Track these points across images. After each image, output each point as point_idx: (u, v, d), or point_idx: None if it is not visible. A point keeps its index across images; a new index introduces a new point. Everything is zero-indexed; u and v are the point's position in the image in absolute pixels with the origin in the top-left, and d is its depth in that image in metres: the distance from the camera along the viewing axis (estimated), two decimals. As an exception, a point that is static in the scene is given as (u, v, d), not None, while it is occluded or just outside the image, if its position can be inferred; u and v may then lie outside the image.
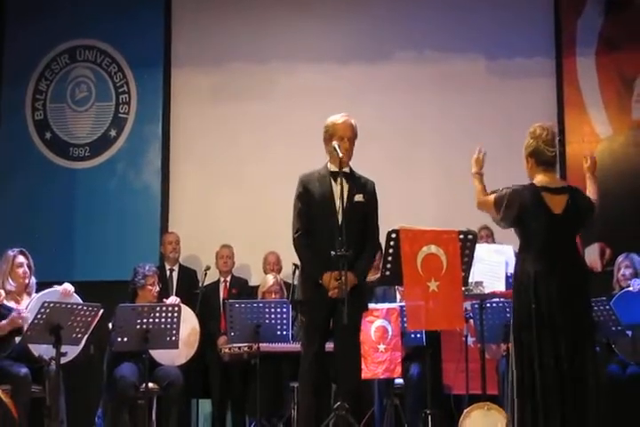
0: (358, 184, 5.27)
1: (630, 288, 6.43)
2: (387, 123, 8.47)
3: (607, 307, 6.08)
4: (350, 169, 5.27)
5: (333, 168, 5.24)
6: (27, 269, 6.33)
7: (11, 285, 6.26)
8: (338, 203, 5.14)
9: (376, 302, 6.59)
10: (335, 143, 5.18)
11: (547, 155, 4.97)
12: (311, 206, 5.19)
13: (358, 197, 5.21)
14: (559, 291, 4.71)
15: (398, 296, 6.92)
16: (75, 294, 6.29)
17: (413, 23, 8.58)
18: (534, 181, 4.96)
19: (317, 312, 5.14)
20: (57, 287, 6.26)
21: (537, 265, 4.77)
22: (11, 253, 6.34)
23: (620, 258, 6.79)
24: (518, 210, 4.84)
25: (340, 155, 5.11)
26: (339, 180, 5.16)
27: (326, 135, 5.30)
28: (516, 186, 4.94)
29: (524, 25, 8.46)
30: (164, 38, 8.77)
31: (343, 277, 4.90)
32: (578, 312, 4.75)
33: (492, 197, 5.00)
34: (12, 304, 6.19)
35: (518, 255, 4.95)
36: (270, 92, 8.61)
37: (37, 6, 8.81)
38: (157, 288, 6.85)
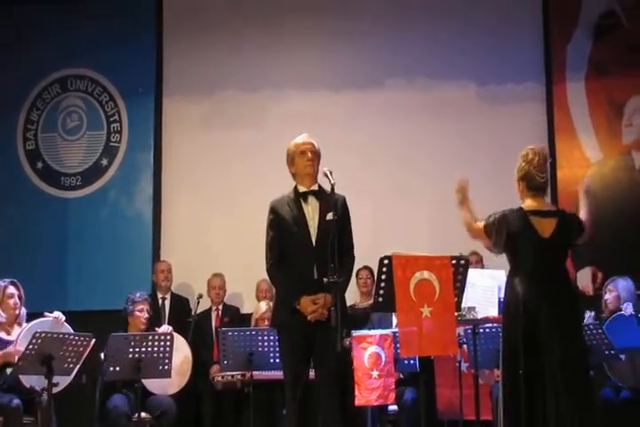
0: (329, 201, 5.22)
1: (623, 312, 6.42)
2: (379, 149, 8.51)
3: (600, 331, 6.07)
4: (319, 186, 5.25)
5: (303, 189, 5.24)
6: (17, 300, 6.31)
7: (1, 316, 6.23)
8: (311, 224, 5.15)
9: (371, 328, 6.57)
10: (327, 169, 5.17)
11: (537, 180, 4.99)
12: (284, 231, 5.16)
13: (330, 216, 5.16)
14: (549, 315, 4.70)
15: (394, 322, 6.91)
16: (65, 324, 6.25)
17: (404, 50, 8.62)
18: (523, 205, 4.97)
19: (295, 336, 5.04)
20: (48, 316, 6.23)
21: (526, 289, 4.77)
22: (1, 283, 6.31)
23: (606, 285, 6.80)
24: (507, 235, 4.85)
25: (332, 181, 5.11)
26: (309, 200, 5.20)
27: (288, 158, 5.30)
28: (504, 211, 4.96)
29: (514, 51, 8.51)
30: (155, 67, 8.80)
31: (335, 306, 4.87)
32: (569, 337, 4.73)
33: (481, 224, 5.01)
34: (3, 335, 6.16)
35: (507, 280, 4.96)
36: (262, 120, 8.63)
37: (28, 36, 8.85)
38: (146, 315, 6.83)
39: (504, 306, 4.93)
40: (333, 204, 5.17)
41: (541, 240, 4.85)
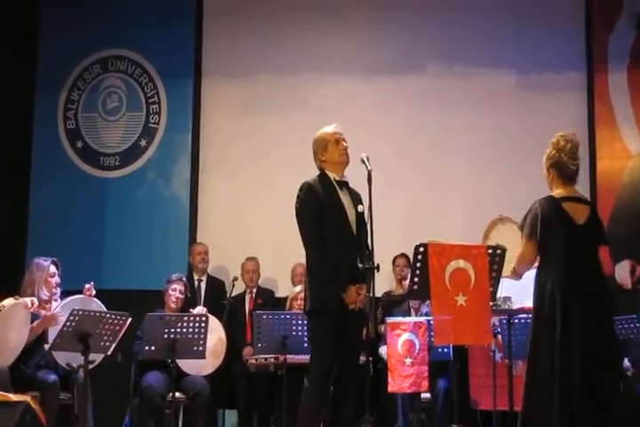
0: (354, 193, 5.29)
1: None
2: (416, 135, 8.49)
3: (638, 325, 6.02)
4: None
5: (337, 177, 5.24)
6: (58, 279, 6.38)
7: (44, 294, 6.30)
8: (349, 213, 5.17)
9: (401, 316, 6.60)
10: (364, 155, 5.18)
11: (569, 168, 4.85)
12: (324, 217, 5.14)
13: (360, 208, 5.21)
14: (581, 307, 4.64)
15: (413, 312, 6.97)
16: (95, 299, 6.27)
17: (444, 37, 8.57)
18: (553, 193, 4.89)
19: (335, 324, 5.07)
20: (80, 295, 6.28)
21: (558, 278, 4.69)
22: (44, 262, 6.36)
23: None
24: (541, 222, 4.76)
25: (369, 167, 5.13)
26: (344, 189, 5.22)
27: (319, 146, 5.31)
28: (534, 203, 4.86)
29: (555, 40, 8.44)
30: (194, 49, 8.82)
31: (368, 292, 4.94)
32: (600, 329, 4.67)
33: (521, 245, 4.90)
34: (44, 312, 6.20)
35: (538, 269, 4.88)
36: (300, 104, 8.62)
37: (70, 17, 8.88)
38: (178, 295, 6.90)
39: (534, 296, 4.86)
40: (358, 195, 5.25)
41: (575, 226, 4.74)
